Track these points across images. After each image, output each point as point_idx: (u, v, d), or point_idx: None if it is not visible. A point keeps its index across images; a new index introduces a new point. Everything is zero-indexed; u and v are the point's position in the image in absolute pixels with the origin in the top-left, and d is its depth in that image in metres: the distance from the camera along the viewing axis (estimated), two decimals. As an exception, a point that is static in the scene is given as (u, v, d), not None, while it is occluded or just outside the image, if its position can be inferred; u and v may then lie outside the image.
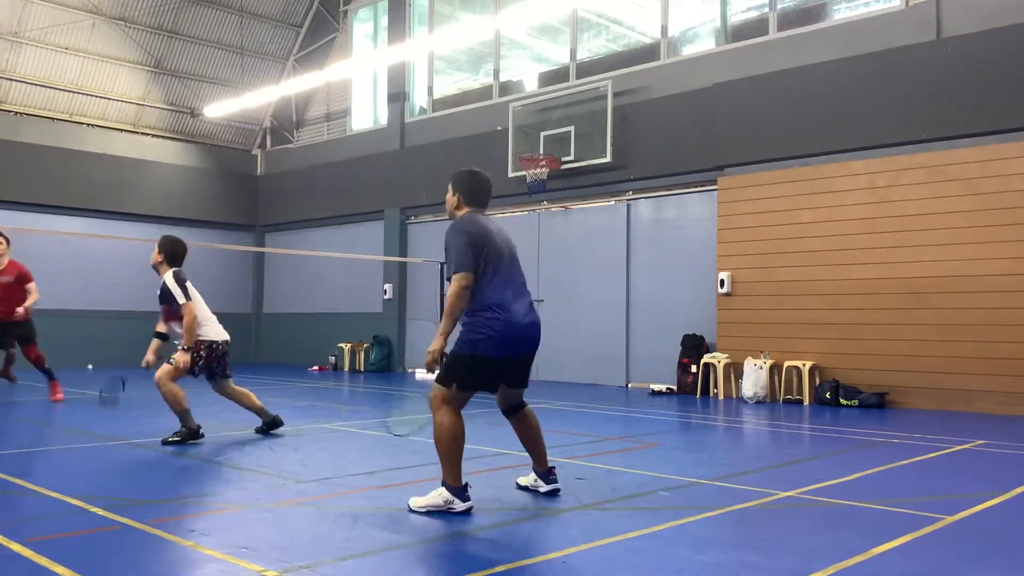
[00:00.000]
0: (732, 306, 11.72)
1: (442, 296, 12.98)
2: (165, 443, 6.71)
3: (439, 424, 4.58)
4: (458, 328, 4.66)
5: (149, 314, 18.79)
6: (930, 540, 4.02)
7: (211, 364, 7.10)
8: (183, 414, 6.86)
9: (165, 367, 6.85)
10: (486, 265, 4.62)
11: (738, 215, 11.76)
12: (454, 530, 4.13)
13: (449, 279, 4.61)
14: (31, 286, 9.76)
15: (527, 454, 5.09)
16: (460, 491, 4.50)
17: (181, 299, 6.89)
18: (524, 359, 4.77)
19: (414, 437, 6.62)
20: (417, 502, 4.51)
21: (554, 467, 5.02)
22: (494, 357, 4.59)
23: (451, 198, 5.05)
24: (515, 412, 4.99)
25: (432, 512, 4.43)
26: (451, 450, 4.57)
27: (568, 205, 13.98)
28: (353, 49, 18.19)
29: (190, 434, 6.84)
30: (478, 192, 5.05)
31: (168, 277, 7.00)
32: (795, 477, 5.70)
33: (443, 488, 4.51)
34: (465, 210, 4.95)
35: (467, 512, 4.45)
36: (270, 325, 19.34)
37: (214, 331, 7.18)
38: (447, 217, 5.05)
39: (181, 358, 6.81)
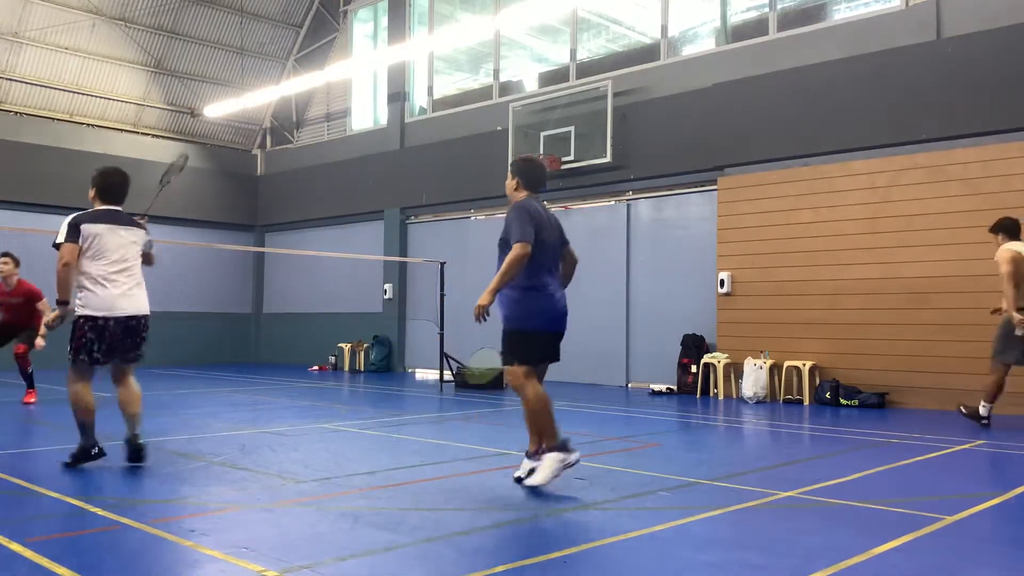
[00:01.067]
0: (732, 306, 11.72)
1: (442, 296, 13.00)
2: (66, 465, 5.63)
3: (527, 399, 5.14)
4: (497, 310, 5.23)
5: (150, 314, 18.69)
6: (930, 540, 4.02)
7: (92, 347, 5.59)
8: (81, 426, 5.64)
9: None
10: (542, 248, 5.17)
11: (738, 215, 11.76)
12: (454, 530, 4.13)
13: (510, 248, 5.07)
14: (42, 304, 9.51)
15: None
16: (564, 446, 5.05)
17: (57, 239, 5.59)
18: (560, 335, 5.39)
19: (410, 436, 6.62)
20: (537, 479, 4.99)
21: (568, 439, 5.30)
22: (545, 330, 5.24)
23: (510, 182, 5.53)
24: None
25: (545, 486, 4.97)
26: (545, 416, 5.12)
27: (568, 205, 13.98)
28: (353, 49, 18.19)
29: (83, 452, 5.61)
30: (534, 178, 5.53)
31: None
32: (795, 477, 5.70)
33: (551, 453, 5.01)
34: (524, 193, 5.44)
35: (578, 461, 5.14)
36: (270, 325, 19.34)
37: (101, 301, 5.57)
38: (505, 200, 5.66)
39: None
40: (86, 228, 5.61)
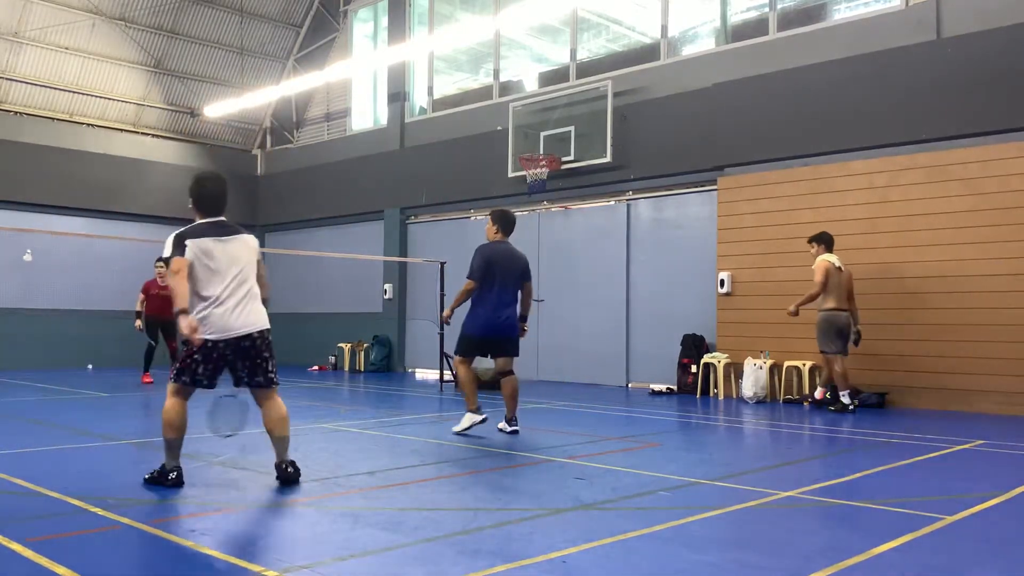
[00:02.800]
0: (732, 306, 11.72)
1: (442, 296, 13.01)
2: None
3: (459, 376, 7.78)
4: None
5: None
6: (930, 540, 4.02)
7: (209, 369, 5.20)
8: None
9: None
10: (491, 280, 7.58)
11: (738, 215, 11.76)
12: (454, 530, 4.13)
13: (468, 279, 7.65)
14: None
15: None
16: (478, 410, 7.48)
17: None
18: (495, 340, 7.58)
19: (410, 436, 6.62)
20: (458, 428, 7.52)
21: (515, 418, 7.59)
22: (481, 336, 7.58)
23: (491, 227, 7.92)
24: (502, 376, 7.69)
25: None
26: (468, 387, 7.58)
27: (568, 205, 13.98)
28: (353, 49, 18.19)
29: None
30: (509, 226, 7.95)
31: None
32: (795, 477, 5.70)
33: (470, 414, 7.49)
34: (500, 236, 7.86)
35: (484, 420, 7.50)
36: (270, 325, 19.31)
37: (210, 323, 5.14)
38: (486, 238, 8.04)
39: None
40: (192, 244, 5.10)
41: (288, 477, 5.20)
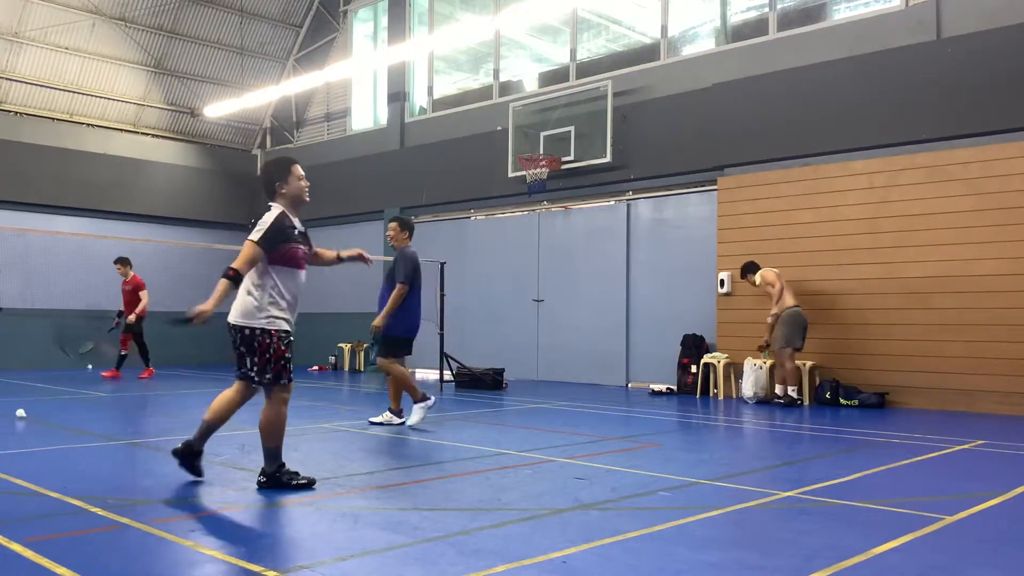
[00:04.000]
0: (732, 306, 11.72)
1: (442, 296, 13.01)
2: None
3: (395, 374, 8.05)
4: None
5: (149, 314, 18.64)
6: (930, 540, 4.02)
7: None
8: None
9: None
10: (416, 284, 8.03)
11: (738, 215, 11.76)
12: (454, 530, 4.13)
13: (398, 284, 7.90)
14: (143, 293, 13.48)
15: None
16: (424, 397, 7.99)
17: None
18: (413, 339, 8.17)
19: (410, 436, 6.60)
20: (412, 420, 7.86)
21: (403, 409, 8.14)
22: (406, 336, 8.07)
23: (401, 233, 8.17)
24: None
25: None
26: (408, 383, 8.00)
27: (568, 205, 13.98)
28: (353, 49, 18.19)
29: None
30: (412, 230, 8.34)
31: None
32: (795, 477, 5.70)
33: (419, 404, 7.94)
34: (408, 242, 8.19)
35: (435, 402, 8.27)
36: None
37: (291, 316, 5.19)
38: (394, 243, 8.29)
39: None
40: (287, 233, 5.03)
41: (260, 484, 5.06)
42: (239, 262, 4.90)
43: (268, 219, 5.01)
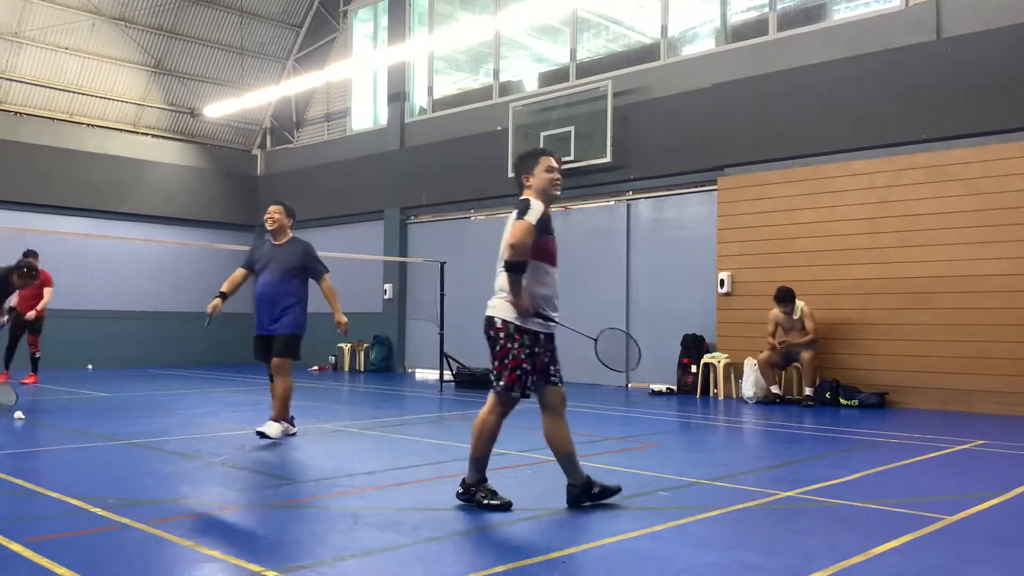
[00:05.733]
0: (732, 306, 11.72)
1: (442, 296, 13.00)
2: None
3: (291, 383, 7.12)
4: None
5: (149, 314, 18.68)
6: (930, 540, 4.02)
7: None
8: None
9: None
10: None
11: (738, 215, 11.76)
12: (454, 530, 4.13)
13: (313, 275, 7.43)
14: (48, 290, 12.17)
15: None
16: (291, 421, 7.20)
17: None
18: None
19: (409, 436, 6.60)
20: (271, 431, 6.74)
21: (294, 416, 7.32)
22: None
23: (285, 219, 7.35)
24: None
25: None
26: (289, 394, 7.08)
27: (568, 205, 13.98)
28: (353, 49, 18.19)
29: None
30: (294, 218, 7.52)
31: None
32: (795, 477, 5.70)
33: (284, 423, 6.98)
34: (290, 231, 7.38)
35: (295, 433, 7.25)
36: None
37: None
38: (273, 228, 7.41)
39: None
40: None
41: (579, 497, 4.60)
42: (520, 248, 4.48)
43: (537, 206, 4.64)
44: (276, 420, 6.91)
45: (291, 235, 7.40)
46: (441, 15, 16.45)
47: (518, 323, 4.60)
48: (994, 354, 9.61)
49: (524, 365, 4.57)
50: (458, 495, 4.69)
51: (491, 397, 4.67)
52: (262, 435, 6.72)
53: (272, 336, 7.11)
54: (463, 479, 4.72)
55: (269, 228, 7.36)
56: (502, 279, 4.67)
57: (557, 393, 4.75)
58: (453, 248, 15.20)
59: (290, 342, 7.11)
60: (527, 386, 4.60)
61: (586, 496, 4.63)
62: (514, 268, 4.51)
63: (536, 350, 4.64)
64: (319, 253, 7.67)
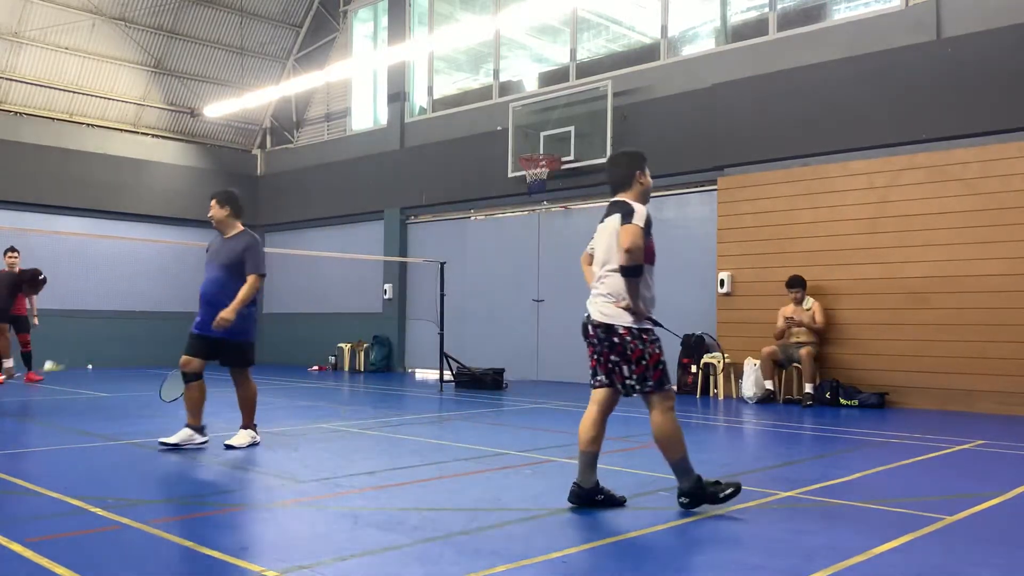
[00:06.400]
0: (732, 306, 11.72)
1: (442, 296, 12.99)
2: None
3: (253, 390, 6.71)
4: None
5: (149, 314, 18.65)
6: (930, 540, 4.02)
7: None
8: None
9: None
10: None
11: (738, 215, 11.76)
12: (454, 530, 4.13)
13: (253, 275, 6.52)
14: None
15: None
16: (254, 428, 6.73)
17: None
18: None
19: (410, 436, 6.59)
20: (236, 441, 6.48)
21: (205, 426, 6.71)
22: (254, 342, 6.75)
23: (221, 211, 6.67)
24: (199, 377, 6.66)
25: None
26: (254, 401, 6.70)
27: (568, 205, 13.98)
28: (353, 49, 18.19)
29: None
30: (241, 208, 6.82)
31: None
32: (795, 477, 5.70)
33: (249, 430, 6.64)
34: (237, 223, 6.74)
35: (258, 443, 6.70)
36: (270, 325, 19.32)
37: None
38: (212, 223, 6.80)
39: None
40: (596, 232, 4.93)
41: (683, 504, 4.57)
42: (637, 252, 4.52)
43: (640, 208, 4.65)
44: (246, 428, 6.69)
45: (240, 228, 6.74)
46: (441, 15, 16.45)
47: (637, 326, 4.64)
48: (994, 354, 9.61)
49: (662, 357, 4.64)
50: (684, 505, 4.55)
51: (654, 401, 4.61)
52: (230, 447, 6.48)
53: (208, 338, 6.50)
54: (679, 490, 4.58)
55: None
56: (612, 283, 4.70)
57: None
58: (453, 248, 15.21)
59: (247, 350, 6.66)
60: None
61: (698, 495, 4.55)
62: (633, 272, 4.57)
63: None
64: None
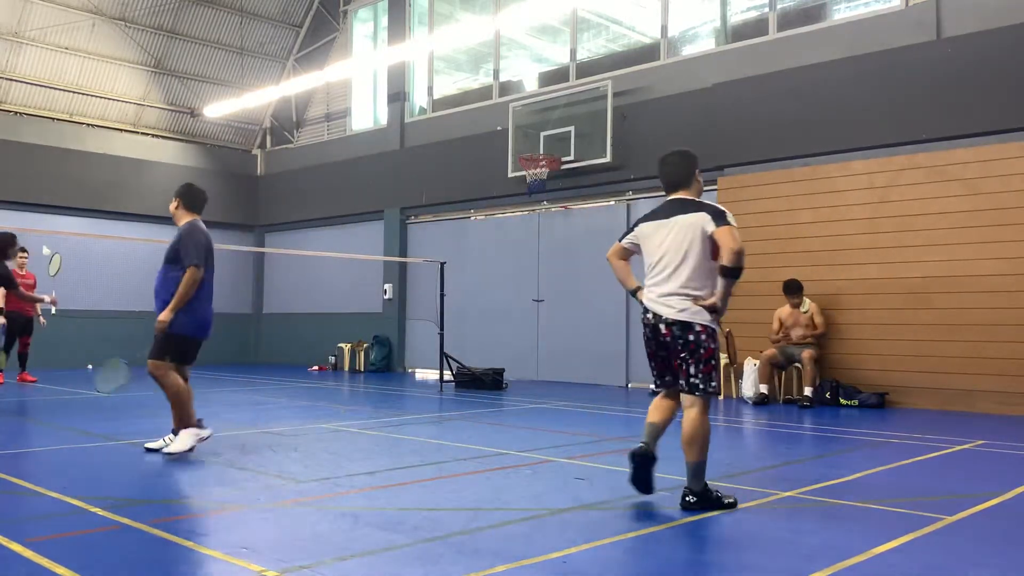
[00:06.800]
0: (732, 306, 11.63)
1: (442, 296, 12.99)
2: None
3: (169, 388, 6.16)
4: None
5: (149, 314, 18.73)
6: (930, 540, 4.02)
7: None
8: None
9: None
10: (209, 269, 6.34)
11: (738, 215, 11.67)
12: (454, 530, 4.13)
13: (189, 267, 6.15)
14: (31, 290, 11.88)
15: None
16: (199, 424, 6.23)
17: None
18: (203, 341, 6.38)
19: (410, 436, 6.60)
20: (174, 448, 6.04)
21: (202, 419, 6.36)
22: (195, 337, 6.28)
23: (172, 204, 6.64)
24: (185, 382, 6.30)
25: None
26: (186, 402, 6.19)
27: (568, 205, 13.98)
28: (353, 49, 18.19)
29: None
30: (197, 201, 6.65)
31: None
32: (795, 477, 5.70)
33: (189, 429, 6.14)
34: (189, 215, 6.54)
35: (210, 435, 6.32)
36: (270, 325, 19.33)
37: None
38: (172, 219, 6.71)
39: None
40: (639, 228, 5.01)
41: (688, 504, 4.58)
42: (743, 254, 4.57)
43: (726, 210, 4.77)
44: (177, 431, 6.24)
45: (186, 220, 6.54)
46: (441, 15, 16.45)
47: (714, 325, 4.66)
48: (994, 354, 9.61)
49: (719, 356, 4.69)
50: (690, 504, 4.55)
51: (699, 401, 4.58)
52: (150, 450, 6.23)
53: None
54: (689, 489, 4.58)
55: None
56: (689, 280, 4.68)
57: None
58: (453, 248, 15.21)
59: (160, 341, 6.17)
60: None
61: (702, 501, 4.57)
62: (737, 274, 4.58)
63: None
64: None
